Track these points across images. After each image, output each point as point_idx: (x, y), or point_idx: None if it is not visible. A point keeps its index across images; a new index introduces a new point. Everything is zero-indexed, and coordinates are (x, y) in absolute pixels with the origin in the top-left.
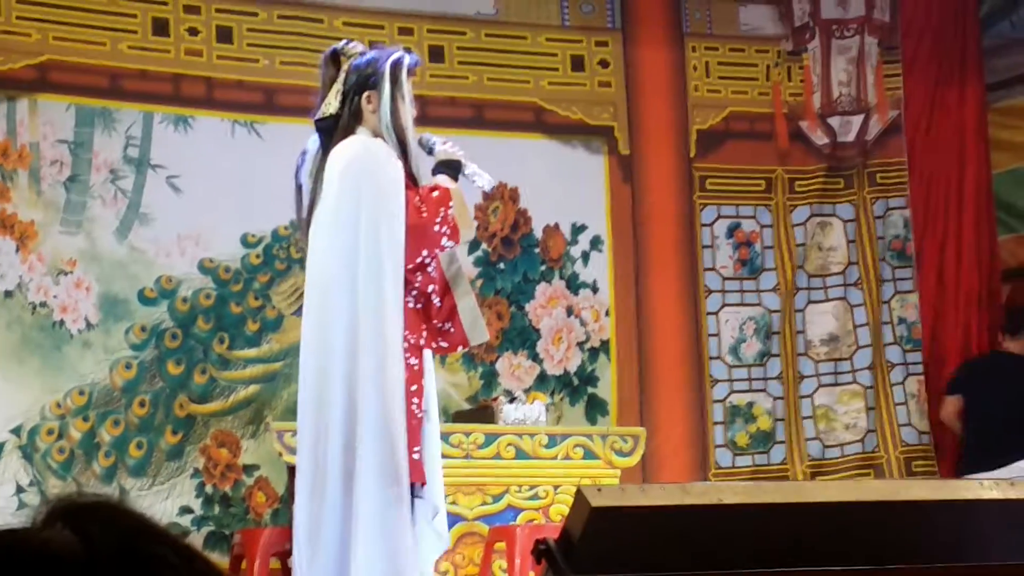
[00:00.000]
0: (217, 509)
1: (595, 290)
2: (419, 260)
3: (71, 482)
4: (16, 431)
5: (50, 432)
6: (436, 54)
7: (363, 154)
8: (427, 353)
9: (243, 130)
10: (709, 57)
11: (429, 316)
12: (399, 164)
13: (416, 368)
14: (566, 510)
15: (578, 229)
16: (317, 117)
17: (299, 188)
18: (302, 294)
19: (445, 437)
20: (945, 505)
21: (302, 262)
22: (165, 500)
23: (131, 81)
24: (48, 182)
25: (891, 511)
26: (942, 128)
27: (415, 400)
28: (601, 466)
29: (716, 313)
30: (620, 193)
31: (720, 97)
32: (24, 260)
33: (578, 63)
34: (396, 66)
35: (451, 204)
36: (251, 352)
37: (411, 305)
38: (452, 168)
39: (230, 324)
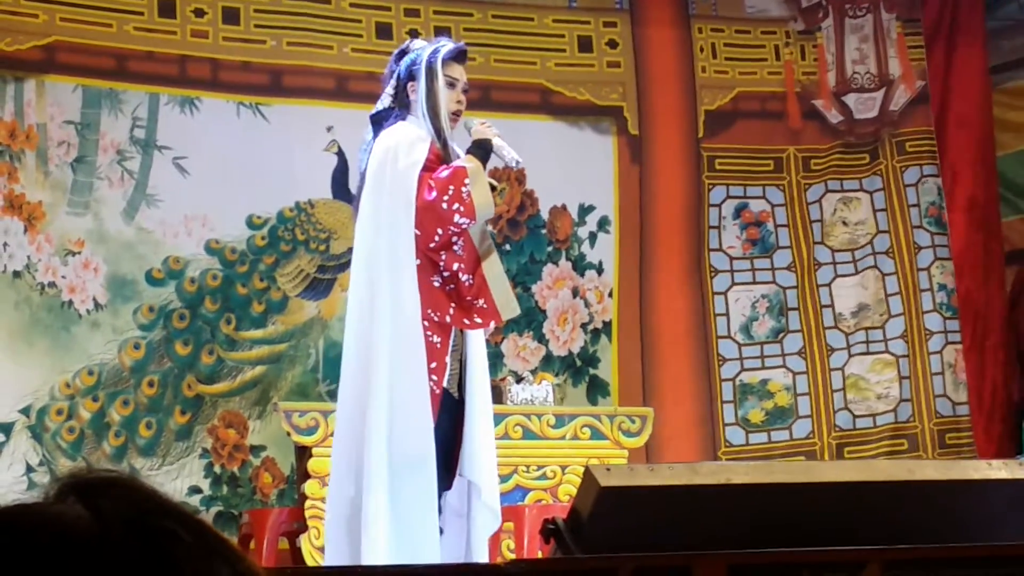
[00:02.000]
0: (225, 489)
1: (600, 271)
2: (437, 239)
3: (81, 462)
4: (25, 411)
5: (59, 412)
6: (443, 35)
7: (393, 143)
8: (470, 335)
9: (248, 112)
10: (715, 39)
11: (460, 293)
12: (425, 147)
13: (439, 346)
14: (574, 490)
15: (586, 210)
16: (373, 112)
17: (361, 176)
18: (306, 276)
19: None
20: (954, 485)
21: (307, 244)
22: (175, 480)
23: (137, 62)
24: (55, 163)
25: (901, 491)
26: (964, 98)
27: (433, 377)
28: (609, 446)
29: (724, 293)
30: (629, 174)
31: (728, 78)
32: (32, 241)
33: (586, 44)
34: (433, 56)
35: (466, 181)
36: (257, 333)
37: (436, 284)
38: (482, 148)
39: (236, 305)
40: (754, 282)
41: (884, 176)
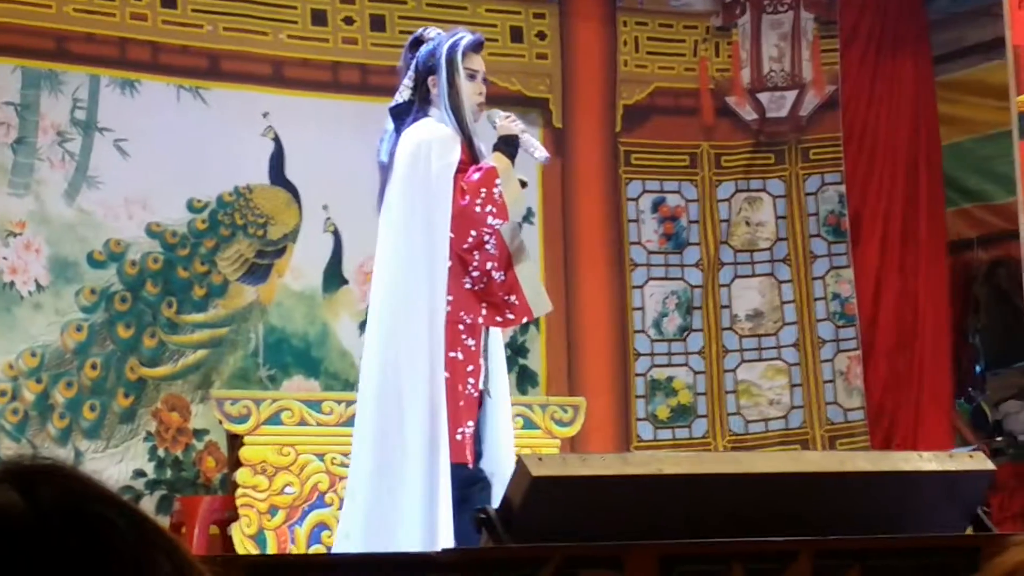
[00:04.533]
0: (169, 473)
1: None
2: (470, 240)
3: (25, 444)
4: None
5: (3, 394)
6: (377, 23)
7: (424, 140)
8: (491, 331)
9: (188, 95)
10: (639, 32)
11: (492, 292)
12: (456, 148)
13: (473, 348)
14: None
15: None
16: (392, 105)
17: (380, 165)
18: (245, 261)
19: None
20: (885, 477)
21: (246, 229)
22: (119, 463)
23: (77, 44)
24: None
25: (832, 482)
26: (882, 102)
27: (471, 380)
28: (541, 435)
29: (641, 287)
30: (552, 166)
31: (646, 72)
32: None
33: (517, 34)
34: (452, 49)
35: (497, 182)
36: (199, 317)
37: (467, 286)
38: (509, 144)
39: (178, 288)
40: (666, 278)
41: (787, 183)
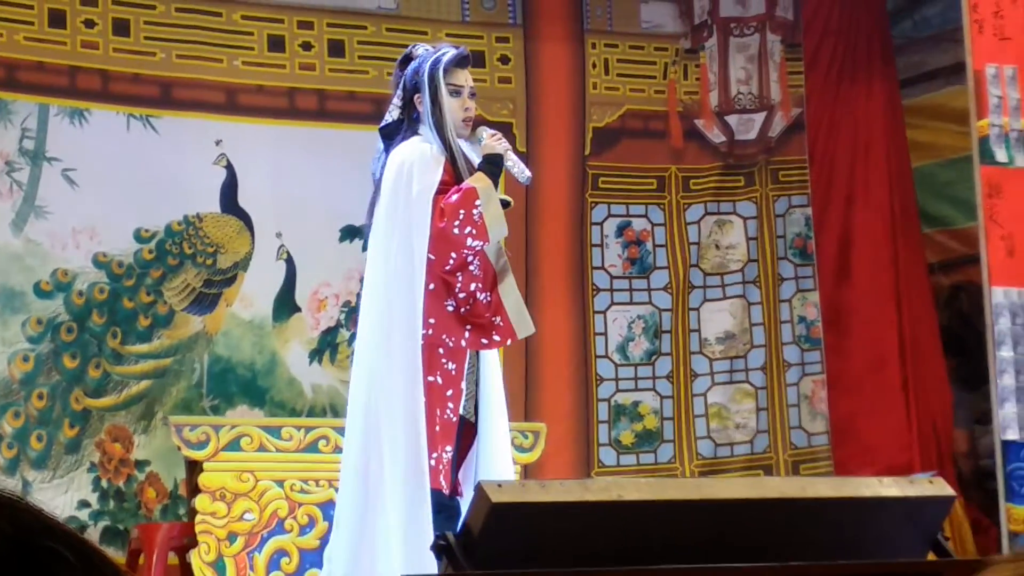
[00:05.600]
0: (112, 504)
1: None
2: (451, 262)
3: None
4: None
5: None
6: (336, 49)
7: (407, 160)
8: (485, 355)
9: (138, 124)
10: (608, 54)
11: (478, 313)
12: (439, 168)
13: (454, 373)
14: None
15: None
16: (382, 124)
17: (374, 184)
18: (193, 290)
19: (345, 432)
20: (846, 502)
21: (194, 258)
22: (64, 494)
23: (27, 73)
24: None
25: (793, 508)
26: (846, 126)
27: (450, 405)
28: None
29: (604, 312)
30: (515, 190)
31: (618, 95)
32: None
33: (478, 59)
34: (434, 66)
35: (477, 203)
36: (143, 347)
37: (450, 308)
38: (493, 163)
39: (123, 319)
40: (631, 302)
41: (758, 204)
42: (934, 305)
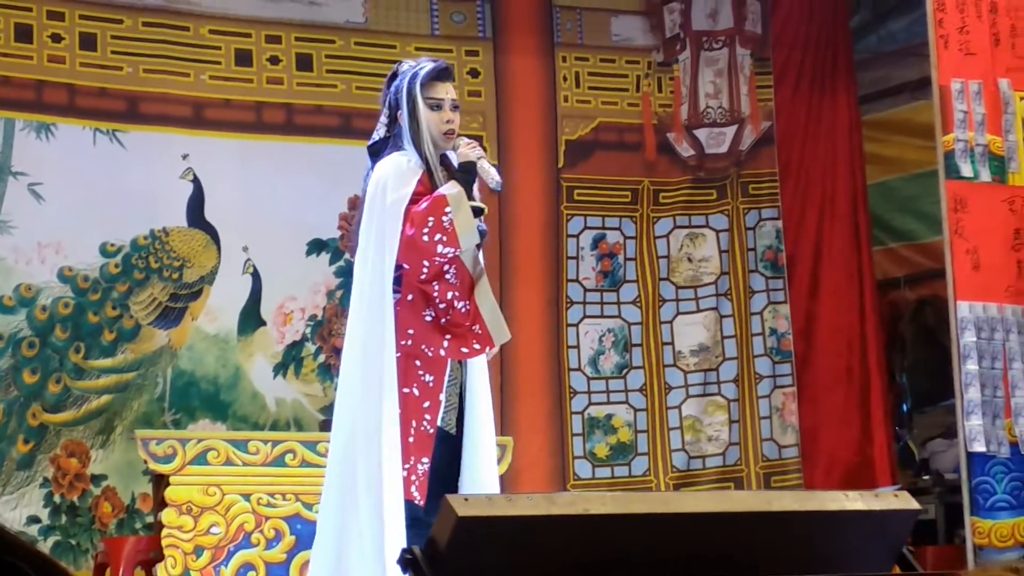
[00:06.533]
0: (64, 519)
1: None
2: (425, 272)
3: None
4: None
5: None
6: (304, 62)
7: (384, 175)
8: (472, 367)
9: (105, 138)
10: (579, 67)
11: (457, 322)
12: (415, 180)
13: (431, 384)
14: None
15: None
16: (370, 143)
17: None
18: (159, 304)
19: (312, 446)
20: (812, 516)
21: (160, 272)
22: (13, 509)
23: None
24: None
25: (758, 522)
26: (815, 139)
27: (427, 416)
28: None
29: (576, 325)
30: (487, 203)
31: (590, 108)
32: None
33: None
34: (412, 80)
35: (447, 210)
36: (106, 362)
37: (428, 319)
38: (465, 170)
39: (87, 333)
40: (602, 315)
41: (730, 217)
42: (883, 319)
